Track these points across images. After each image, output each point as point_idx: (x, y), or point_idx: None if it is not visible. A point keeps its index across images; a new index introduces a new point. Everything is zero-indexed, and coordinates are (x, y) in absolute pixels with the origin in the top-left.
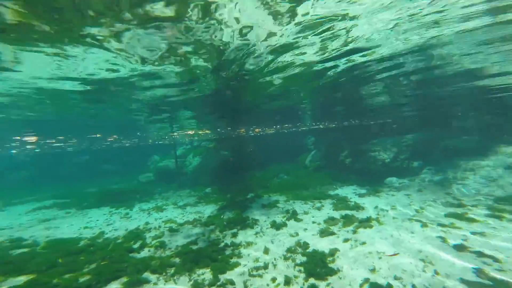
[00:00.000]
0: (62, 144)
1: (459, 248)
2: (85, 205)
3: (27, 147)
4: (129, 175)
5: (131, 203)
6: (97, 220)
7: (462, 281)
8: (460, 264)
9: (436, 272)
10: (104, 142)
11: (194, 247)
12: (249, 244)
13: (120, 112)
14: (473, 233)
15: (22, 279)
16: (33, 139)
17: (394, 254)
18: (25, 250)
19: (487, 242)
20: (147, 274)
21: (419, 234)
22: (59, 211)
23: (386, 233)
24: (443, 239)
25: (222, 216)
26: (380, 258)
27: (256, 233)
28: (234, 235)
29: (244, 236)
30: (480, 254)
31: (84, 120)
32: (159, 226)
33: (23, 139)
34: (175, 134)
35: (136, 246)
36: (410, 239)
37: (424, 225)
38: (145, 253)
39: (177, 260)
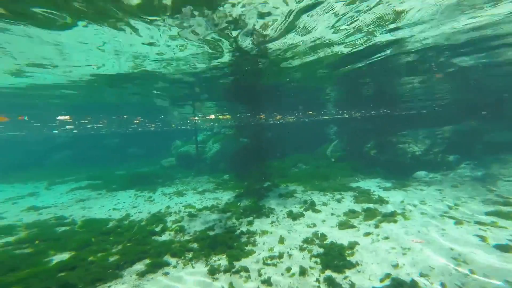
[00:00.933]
0: (94, 125)
1: (503, 248)
2: (114, 187)
3: (66, 127)
4: (153, 158)
5: (154, 186)
6: (124, 202)
7: (507, 282)
8: (504, 266)
9: (471, 271)
10: (131, 126)
11: (211, 233)
12: (264, 232)
13: (146, 93)
14: None
15: (65, 255)
16: (66, 117)
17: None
18: (67, 228)
19: None
20: (167, 257)
21: (452, 231)
22: (92, 192)
23: (412, 229)
24: (482, 238)
25: (238, 204)
26: (404, 254)
27: (272, 222)
28: (250, 223)
29: (259, 224)
30: None
31: (114, 100)
32: (179, 211)
33: (58, 118)
34: (196, 118)
35: (158, 229)
36: (440, 235)
37: (458, 222)
38: (166, 236)
39: (195, 245)
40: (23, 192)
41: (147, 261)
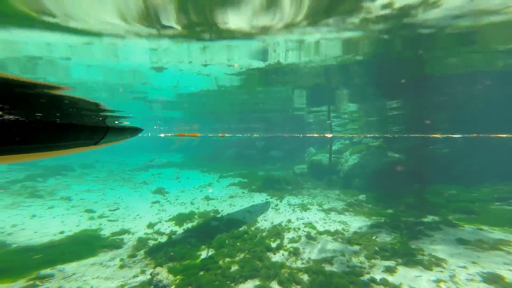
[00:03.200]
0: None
1: None
2: (253, 188)
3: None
4: (288, 163)
5: (282, 193)
6: (256, 205)
7: None
8: None
9: None
10: (275, 133)
11: (327, 267)
12: None
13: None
14: None
15: (210, 252)
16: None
17: None
18: (216, 223)
19: None
20: (274, 284)
21: None
22: (239, 189)
23: None
24: None
25: (373, 237)
26: None
27: (438, 280)
28: (390, 270)
29: (408, 276)
30: None
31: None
32: (298, 228)
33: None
34: (331, 134)
35: (274, 245)
36: None
37: None
38: (279, 256)
39: (305, 277)
40: (207, 181)
41: (257, 281)
